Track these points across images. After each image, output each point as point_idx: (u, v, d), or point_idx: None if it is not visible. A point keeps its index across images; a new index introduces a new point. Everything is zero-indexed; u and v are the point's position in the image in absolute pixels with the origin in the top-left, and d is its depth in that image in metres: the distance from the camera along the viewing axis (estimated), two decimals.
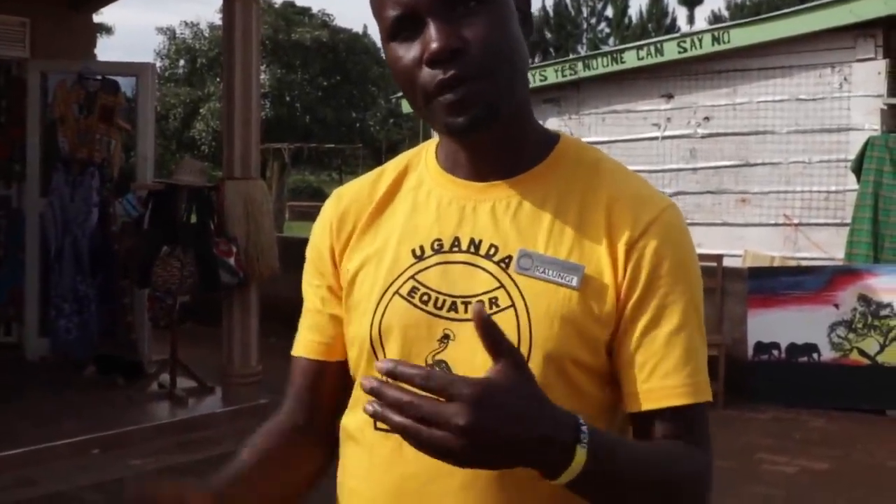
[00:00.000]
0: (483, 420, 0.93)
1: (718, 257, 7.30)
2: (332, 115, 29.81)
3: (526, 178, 1.20)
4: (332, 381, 1.28)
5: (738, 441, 5.91)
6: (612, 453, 1.03)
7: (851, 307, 6.67)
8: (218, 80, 25.45)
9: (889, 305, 6.58)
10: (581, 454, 0.98)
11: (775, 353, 6.86)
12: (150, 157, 7.34)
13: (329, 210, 1.31)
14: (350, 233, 1.27)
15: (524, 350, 1.11)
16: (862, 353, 6.63)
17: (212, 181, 6.94)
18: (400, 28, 1.12)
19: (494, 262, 1.16)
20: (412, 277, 1.18)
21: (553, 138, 1.24)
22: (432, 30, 1.09)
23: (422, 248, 1.20)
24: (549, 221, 1.17)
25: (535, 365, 1.09)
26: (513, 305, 1.13)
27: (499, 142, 1.18)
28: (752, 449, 5.77)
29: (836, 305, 6.71)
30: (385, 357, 1.17)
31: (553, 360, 1.12)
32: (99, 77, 7.05)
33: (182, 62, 31.04)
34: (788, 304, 6.85)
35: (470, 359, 1.12)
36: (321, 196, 24.85)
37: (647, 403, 1.14)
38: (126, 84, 7.29)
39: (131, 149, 7.89)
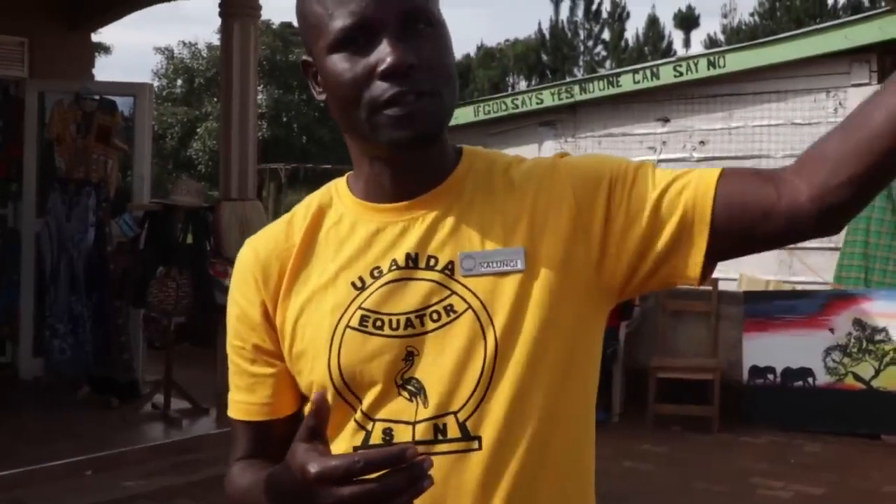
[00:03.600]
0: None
1: (714, 281, 7.29)
2: (329, 136, 29.82)
3: (445, 189, 1.22)
4: (284, 433, 1.24)
5: (733, 465, 5.90)
6: None
7: (846, 332, 6.67)
8: (215, 100, 25.48)
9: (884, 330, 6.58)
10: None
11: (770, 377, 6.85)
12: (147, 177, 7.35)
13: (247, 264, 1.27)
14: (278, 282, 1.24)
15: (490, 343, 1.15)
16: (857, 377, 6.63)
17: (209, 201, 6.94)
18: (349, 40, 1.12)
19: (438, 272, 1.18)
20: (359, 308, 1.18)
21: (456, 148, 1.28)
22: (389, 44, 1.11)
23: (361, 279, 1.20)
24: (477, 221, 1.20)
25: (512, 352, 1.15)
26: (469, 307, 1.16)
27: (427, 159, 1.21)
28: (747, 473, 5.76)
29: (832, 330, 6.71)
30: (356, 393, 1.18)
31: (525, 342, 1.15)
32: (97, 97, 7.06)
33: (180, 82, 31.07)
34: (783, 329, 6.85)
35: (439, 367, 1.15)
36: None
37: (708, 203, 1.15)
38: (123, 104, 7.31)
39: (128, 168, 7.89)
